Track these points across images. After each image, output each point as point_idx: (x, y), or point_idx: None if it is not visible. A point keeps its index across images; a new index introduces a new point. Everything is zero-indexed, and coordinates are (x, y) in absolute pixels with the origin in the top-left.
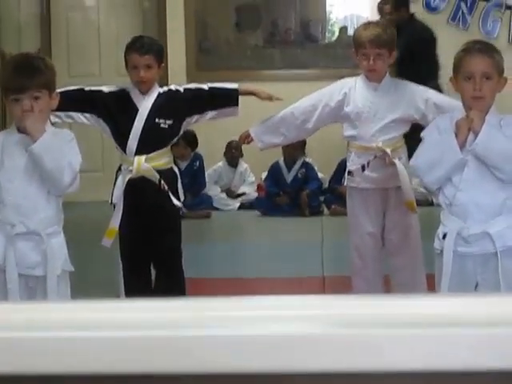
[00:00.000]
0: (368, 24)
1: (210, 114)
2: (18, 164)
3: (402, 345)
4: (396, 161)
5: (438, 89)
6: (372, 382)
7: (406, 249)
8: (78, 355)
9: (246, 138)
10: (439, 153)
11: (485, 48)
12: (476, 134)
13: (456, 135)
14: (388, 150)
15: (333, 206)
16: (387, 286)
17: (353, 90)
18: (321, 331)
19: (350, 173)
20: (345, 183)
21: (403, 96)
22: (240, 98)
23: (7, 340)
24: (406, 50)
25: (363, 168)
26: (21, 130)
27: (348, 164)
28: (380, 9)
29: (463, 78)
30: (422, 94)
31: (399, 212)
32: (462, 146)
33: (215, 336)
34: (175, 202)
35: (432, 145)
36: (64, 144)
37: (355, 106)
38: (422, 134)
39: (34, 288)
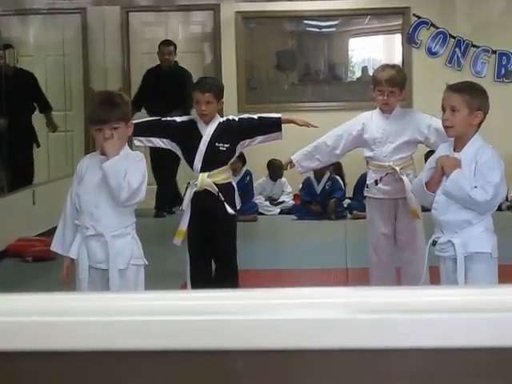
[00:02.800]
0: (385, 66)
1: (259, 138)
2: (94, 179)
3: (411, 327)
4: (403, 177)
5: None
6: (386, 356)
7: (413, 246)
8: (152, 335)
9: (289, 164)
10: (417, 185)
11: (456, 86)
12: (448, 177)
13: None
14: (397, 168)
15: (354, 212)
16: (398, 276)
17: (369, 121)
18: (345, 316)
19: (367, 186)
20: (365, 193)
21: (410, 123)
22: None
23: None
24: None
25: (376, 182)
26: (103, 153)
27: (367, 179)
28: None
29: (442, 111)
30: (425, 120)
31: (407, 217)
32: (437, 182)
33: (261, 320)
34: (229, 210)
35: (419, 176)
36: (131, 165)
37: (371, 133)
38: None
39: (105, 278)
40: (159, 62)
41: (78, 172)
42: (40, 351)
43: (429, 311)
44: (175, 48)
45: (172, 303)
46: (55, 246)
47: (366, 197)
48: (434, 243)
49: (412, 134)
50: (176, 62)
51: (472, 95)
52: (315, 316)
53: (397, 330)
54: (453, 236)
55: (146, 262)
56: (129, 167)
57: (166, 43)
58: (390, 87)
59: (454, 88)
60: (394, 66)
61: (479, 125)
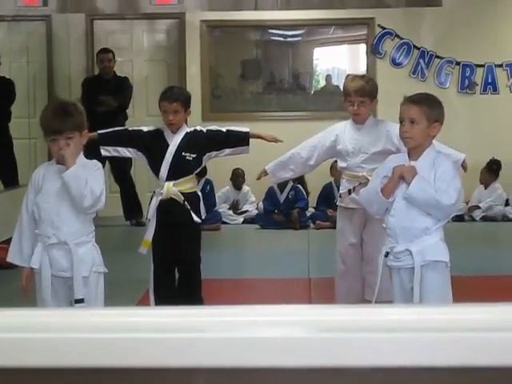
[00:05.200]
0: (355, 77)
1: (226, 151)
2: (53, 188)
3: (373, 345)
4: None
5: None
6: (348, 375)
7: (377, 257)
8: (113, 353)
9: (262, 174)
10: (371, 192)
11: (415, 98)
12: (408, 184)
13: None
14: (370, 178)
15: (317, 222)
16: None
17: (342, 131)
18: (308, 335)
19: (340, 195)
20: (337, 203)
21: (382, 133)
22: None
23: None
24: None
25: (349, 192)
26: (59, 162)
27: (340, 188)
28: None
29: (400, 123)
30: (397, 131)
31: (374, 228)
32: (392, 190)
33: (223, 338)
34: (195, 218)
35: (371, 185)
36: (90, 173)
37: (344, 144)
38: (375, 171)
39: (67, 286)
40: (115, 70)
41: (34, 182)
42: None
43: (390, 330)
44: (113, 56)
45: (134, 320)
46: (12, 257)
47: (337, 206)
48: (387, 254)
49: (384, 145)
50: (115, 71)
51: (430, 107)
52: (277, 334)
53: (359, 348)
54: (409, 245)
55: (106, 270)
56: (89, 175)
57: (104, 51)
58: (360, 97)
59: (412, 100)
60: (363, 77)
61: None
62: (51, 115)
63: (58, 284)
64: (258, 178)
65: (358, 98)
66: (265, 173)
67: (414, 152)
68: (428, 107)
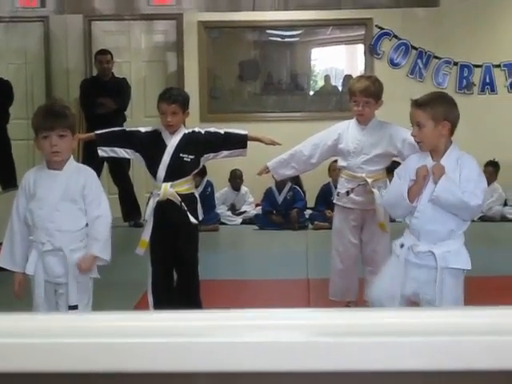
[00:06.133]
0: (360, 77)
1: (224, 153)
2: (47, 195)
3: (367, 350)
4: (374, 189)
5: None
6: (344, 380)
7: (376, 259)
8: (113, 357)
9: (264, 170)
10: (396, 196)
11: (418, 102)
12: (435, 184)
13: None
14: (369, 180)
15: (316, 222)
16: (361, 286)
17: (346, 130)
18: (305, 339)
19: (338, 194)
20: (334, 201)
21: (385, 136)
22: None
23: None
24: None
25: (348, 193)
26: (50, 166)
27: (338, 187)
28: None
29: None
30: (401, 134)
31: (373, 229)
32: (418, 193)
33: (223, 342)
34: (192, 220)
35: (394, 186)
36: (92, 188)
37: (347, 143)
38: (395, 171)
39: (60, 292)
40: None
41: (25, 187)
42: None
43: (389, 334)
44: (112, 57)
45: (132, 324)
46: (4, 262)
47: (335, 205)
48: (402, 245)
49: (386, 147)
50: (113, 73)
51: (434, 107)
52: (277, 339)
53: (359, 353)
54: (432, 246)
55: (98, 276)
56: (93, 197)
57: (102, 52)
58: (365, 97)
59: (416, 104)
60: (369, 77)
61: (451, 133)
62: (44, 113)
63: (51, 290)
64: (260, 174)
65: (362, 98)
66: (267, 169)
67: (435, 152)
68: (431, 108)
